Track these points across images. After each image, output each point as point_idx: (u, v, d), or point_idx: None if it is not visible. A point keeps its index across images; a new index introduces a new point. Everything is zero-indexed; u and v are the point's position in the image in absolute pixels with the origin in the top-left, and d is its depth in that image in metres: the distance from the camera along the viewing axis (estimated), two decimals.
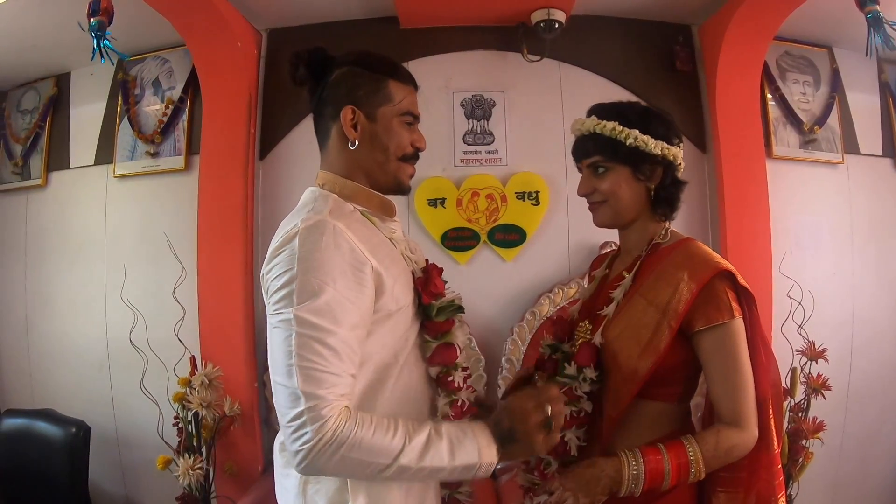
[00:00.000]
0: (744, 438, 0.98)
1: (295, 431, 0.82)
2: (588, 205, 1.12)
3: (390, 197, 1.05)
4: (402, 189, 1.04)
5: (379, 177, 1.01)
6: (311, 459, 0.81)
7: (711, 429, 1.00)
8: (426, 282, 1.00)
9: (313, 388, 0.81)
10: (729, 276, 1.01)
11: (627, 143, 1.05)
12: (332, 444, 0.80)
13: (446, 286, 1.07)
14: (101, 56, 1.72)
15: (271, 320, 0.88)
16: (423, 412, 1.01)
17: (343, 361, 0.84)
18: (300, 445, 0.81)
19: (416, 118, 1.03)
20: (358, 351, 0.88)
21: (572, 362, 1.07)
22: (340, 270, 0.86)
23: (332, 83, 1.00)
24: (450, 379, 1.01)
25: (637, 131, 1.05)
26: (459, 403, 1.00)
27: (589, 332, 1.09)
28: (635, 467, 0.96)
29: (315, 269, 0.85)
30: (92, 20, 1.72)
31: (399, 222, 1.08)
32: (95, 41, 1.71)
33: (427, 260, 1.10)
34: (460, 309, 1.03)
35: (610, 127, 1.06)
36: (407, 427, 0.86)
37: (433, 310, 1.00)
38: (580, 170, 1.13)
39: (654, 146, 1.05)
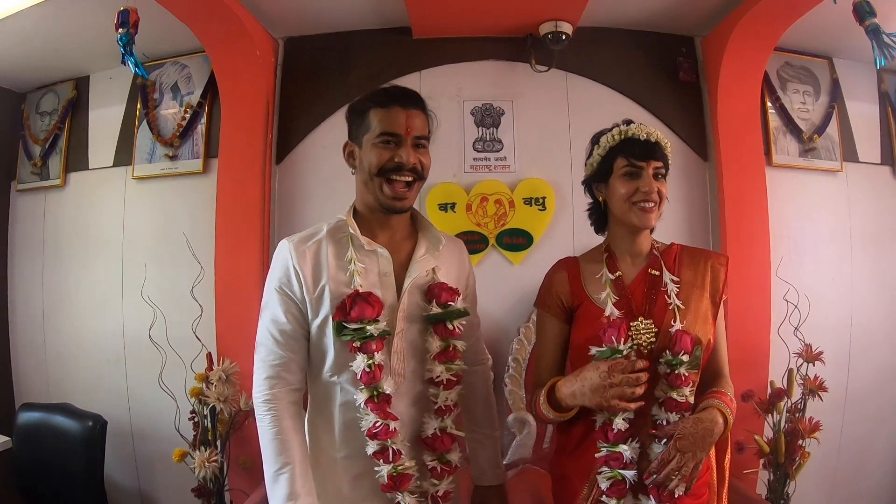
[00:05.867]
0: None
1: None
2: (639, 205, 1.17)
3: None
4: (385, 206, 1.15)
5: (366, 195, 1.17)
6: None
7: (721, 380, 1.19)
8: (350, 303, 1.11)
9: (261, 359, 1.15)
10: None
11: (669, 164, 1.22)
12: (256, 405, 1.13)
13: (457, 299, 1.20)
14: (132, 67, 1.78)
15: None
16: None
17: (274, 342, 1.14)
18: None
19: (395, 136, 1.12)
20: (289, 335, 1.14)
21: (668, 351, 1.13)
22: (277, 279, 1.15)
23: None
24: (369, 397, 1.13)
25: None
26: (375, 425, 1.11)
27: (653, 326, 1.15)
28: (728, 410, 1.12)
29: (269, 278, 1.17)
30: (120, 31, 1.77)
31: (381, 253, 1.16)
32: (123, 52, 1.76)
33: (437, 284, 1.19)
34: (367, 336, 1.09)
35: (670, 147, 1.23)
36: (280, 462, 1.09)
37: (338, 328, 1.11)
38: (640, 168, 1.17)
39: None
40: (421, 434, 1.19)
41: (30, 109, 2.84)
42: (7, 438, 2.23)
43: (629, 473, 1.08)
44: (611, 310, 1.16)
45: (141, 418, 2.50)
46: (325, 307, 1.12)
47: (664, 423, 1.11)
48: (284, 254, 1.15)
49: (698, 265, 1.22)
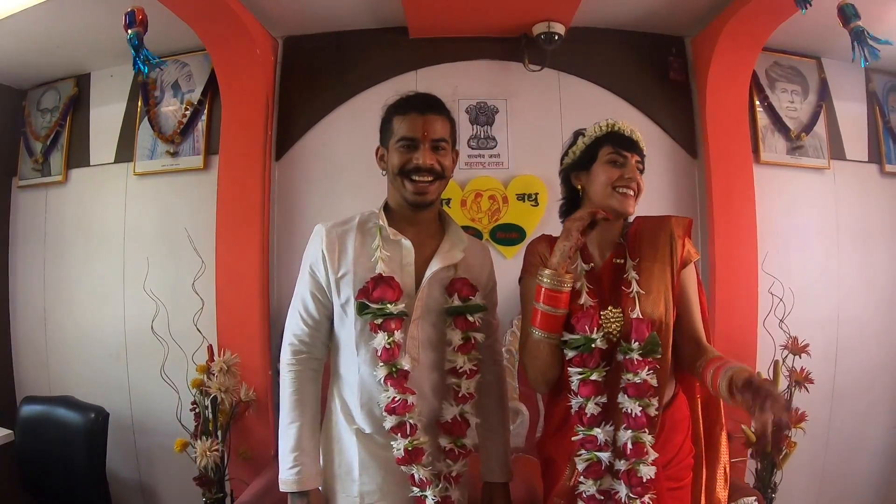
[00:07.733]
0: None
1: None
2: (620, 190, 1.22)
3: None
4: (409, 201, 1.24)
5: (394, 193, 1.27)
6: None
7: (708, 348, 1.20)
8: (372, 286, 1.19)
9: (289, 327, 1.29)
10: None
11: (645, 163, 1.28)
12: (281, 366, 1.26)
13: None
14: (142, 66, 1.78)
15: None
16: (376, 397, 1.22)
17: (299, 317, 1.27)
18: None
19: (413, 140, 1.21)
20: (311, 314, 1.26)
21: (629, 341, 1.17)
22: (307, 258, 1.27)
23: None
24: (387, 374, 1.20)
25: None
26: (394, 399, 1.17)
27: (622, 315, 1.20)
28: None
29: (304, 256, 1.29)
30: (130, 31, 1.78)
31: (405, 244, 1.24)
32: (134, 53, 1.76)
33: (458, 279, 1.26)
34: (387, 314, 1.18)
35: (645, 146, 1.29)
36: (293, 417, 1.22)
37: (361, 307, 1.19)
38: (625, 158, 1.24)
39: None
40: (438, 419, 1.26)
41: (31, 106, 2.87)
42: (9, 431, 2.24)
43: (604, 455, 1.14)
44: (585, 299, 1.22)
45: (142, 410, 2.53)
46: (348, 289, 1.22)
47: (629, 410, 1.16)
48: (317, 237, 1.26)
49: (658, 239, 1.25)
